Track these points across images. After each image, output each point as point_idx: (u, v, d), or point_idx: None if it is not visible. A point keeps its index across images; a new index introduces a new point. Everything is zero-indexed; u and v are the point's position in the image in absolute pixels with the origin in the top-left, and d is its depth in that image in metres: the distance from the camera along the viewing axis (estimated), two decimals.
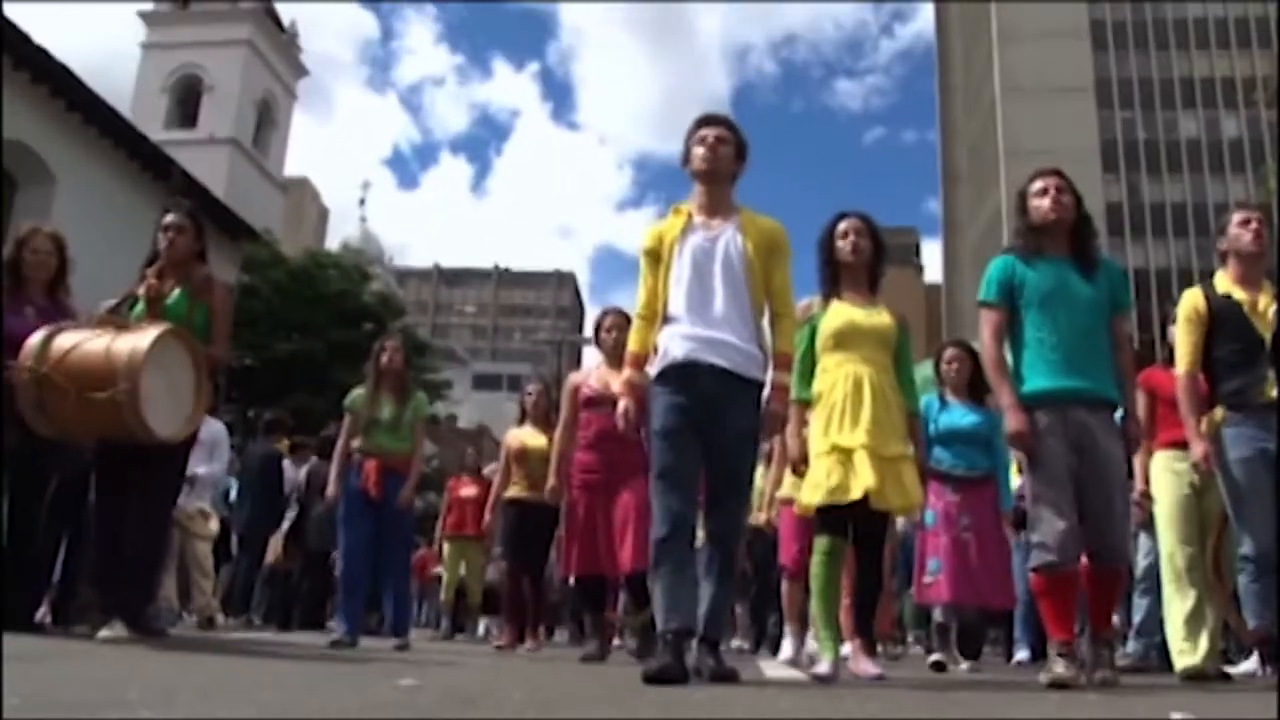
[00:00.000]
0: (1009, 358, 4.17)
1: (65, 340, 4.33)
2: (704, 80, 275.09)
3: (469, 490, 10.08)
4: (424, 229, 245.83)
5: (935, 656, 5.91)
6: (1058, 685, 3.73)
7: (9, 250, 5.08)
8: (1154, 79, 57.60)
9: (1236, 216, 4.78)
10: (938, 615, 6.18)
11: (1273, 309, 4.51)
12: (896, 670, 5.40)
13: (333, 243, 51.47)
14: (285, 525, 10.50)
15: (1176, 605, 5.06)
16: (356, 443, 6.50)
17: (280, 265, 27.66)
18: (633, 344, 3.95)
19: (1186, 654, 4.94)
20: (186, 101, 36.19)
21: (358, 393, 6.71)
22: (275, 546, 10.40)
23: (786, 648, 6.33)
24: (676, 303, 3.78)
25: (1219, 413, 4.53)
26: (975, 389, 5.97)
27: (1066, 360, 3.98)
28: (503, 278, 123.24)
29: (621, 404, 3.91)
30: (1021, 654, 7.84)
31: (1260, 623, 4.40)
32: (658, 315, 3.83)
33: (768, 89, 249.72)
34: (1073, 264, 4.10)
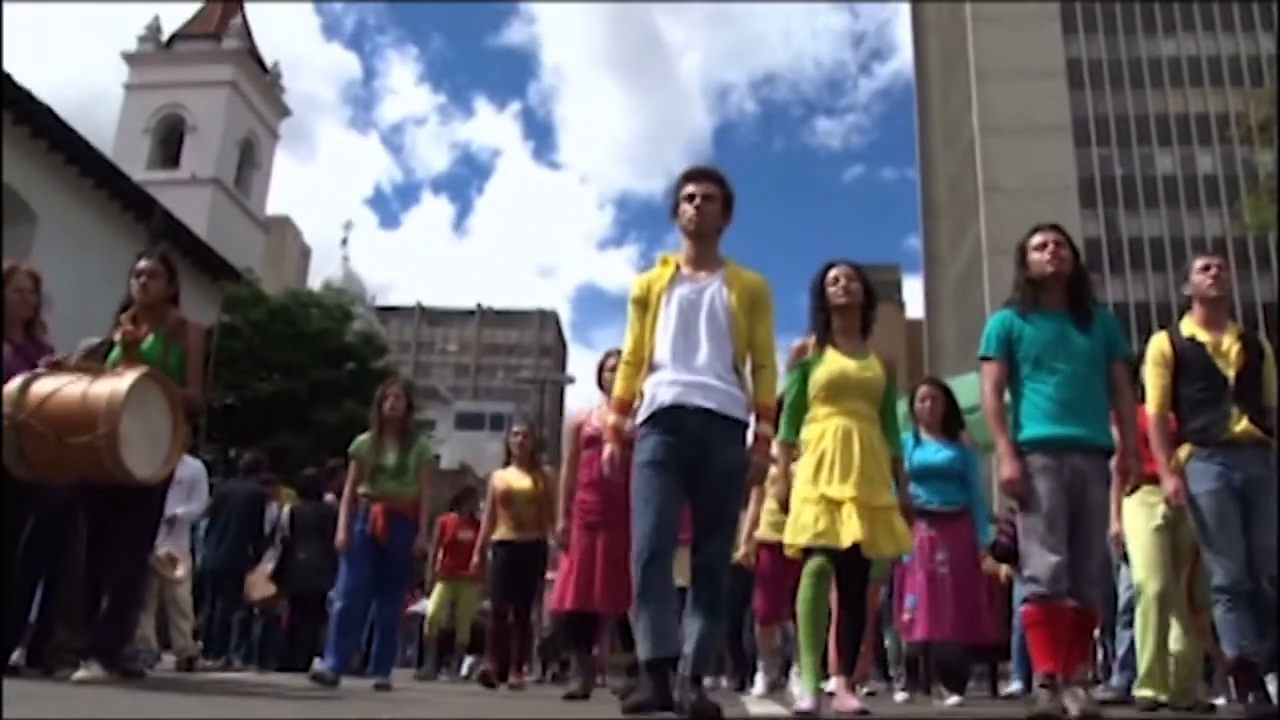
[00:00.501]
0: (1009, 405, 4.33)
1: (43, 386, 4.37)
2: (686, 119, 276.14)
3: (466, 533, 9.93)
4: (406, 268, 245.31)
5: (900, 695, 6.03)
6: (1041, 718, 3.79)
7: None
8: (1130, 116, 58.29)
9: (1198, 263, 5.00)
10: (906, 650, 6.36)
11: (1236, 349, 4.73)
12: (878, 706, 5.37)
13: (315, 282, 51.35)
14: (269, 565, 10.40)
15: (1149, 636, 5.15)
16: (362, 489, 6.63)
17: (262, 304, 27.63)
18: (618, 389, 4.04)
19: (1150, 685, 5.08)
20: (169, 142, 36.23)
21: (362, 439, 6.82)
22: (260, 586, 10.28)
23: (760, 682, 6.73)
24: (662, 350, 3.89)
25: (1185, 449, 4.69)
26: (949, 426, 6.14)
27: (1064, 409, 4.14)
28: (485, 317, 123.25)
29: (607, 449, 4.01)
30: (1014, 686, 7.84)
31: (1237, 651, 4.47)
32: (644, 361, 3.94)
33: (749, 128, 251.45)
34: (1069, 316, 4.27)
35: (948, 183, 67.53)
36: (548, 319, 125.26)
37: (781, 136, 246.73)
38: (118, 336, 4.75)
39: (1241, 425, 4.59)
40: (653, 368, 3.91)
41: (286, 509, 10.58)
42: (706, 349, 3.85)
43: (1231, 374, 4.68)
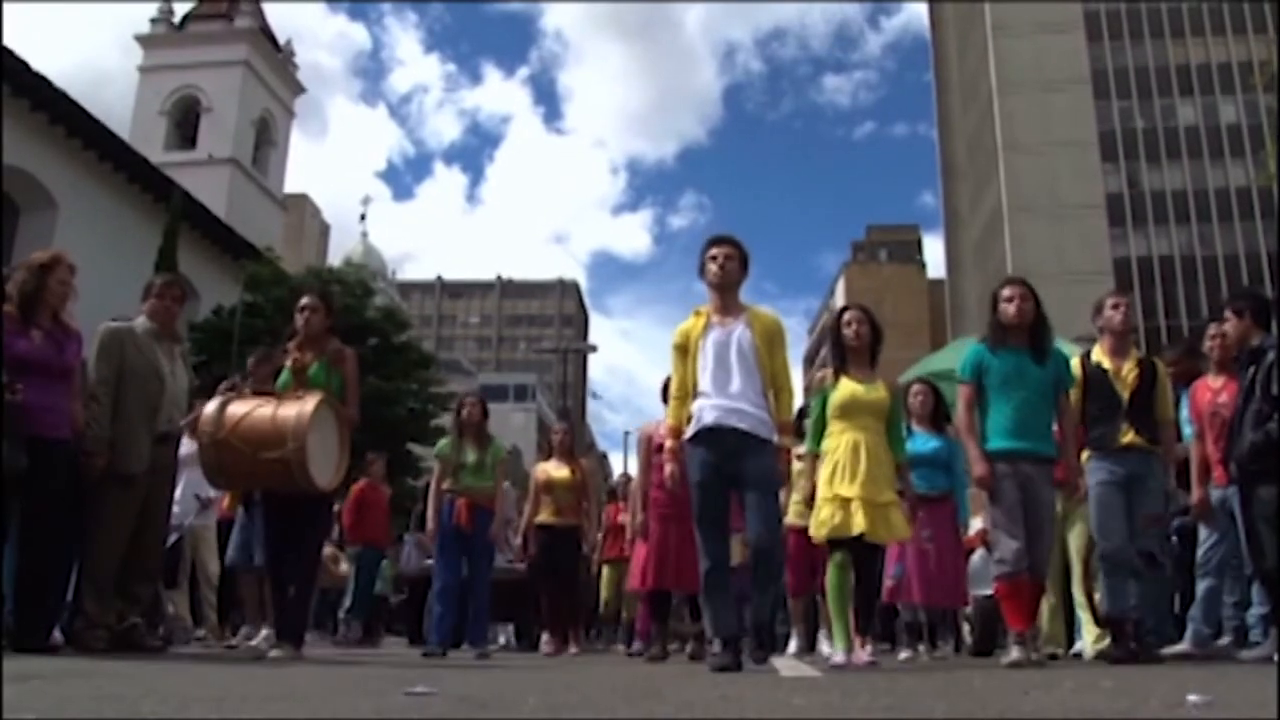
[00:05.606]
0: (979, 422, 5.50)
1: (236, 409, 5.24)
2: (694, 81, 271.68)
3: (626, 518, 9.95)
4: (421, 240, 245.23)
5: (904, 654, 6.87)
6: (1015, 666, 4.93)
7: (27, 276, 5.16)
8: (1149, 67, 57.46)
9: (1109, 300, 6.12)
10: (905, 615, 7.36)
11: (1133, 374, 5.88)
12: (884, 661, 5.86)
13: (335, 258, 51.42)
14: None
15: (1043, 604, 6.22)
16: (447, 484, 7.61)
17: (283, 283, 27.58)
18: (670, 419, 5.18)
19: (1049, 641, 6.18)
20: (185, 123, 36.22)
21: (444, 442, 7.96)
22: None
23: (793, 645, 7.95)
24: (704, 383, 4.89)
25: (1085, 453, 5.86)
26: (936, 419, 7.11)
27: (1017, 428, 5.34)
28: (505, 288, 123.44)
29: (667, 468, 5.21)
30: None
31: (1110, 609, 5.69)
32: (688, 395, 4.95)
33: (757, 88, 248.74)
34: (1029, 353, 5.42)
35: (966, 140, 66.92)
36: (568, 289, 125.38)
37: (791, 95, 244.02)
38: (289, 363, 5.62)
39: (1129, 437, 5.78)
40: (698, 395, 4.89)
41: None
42: (739, 380, 4.84)
43: (1126, 395, 5.83)
